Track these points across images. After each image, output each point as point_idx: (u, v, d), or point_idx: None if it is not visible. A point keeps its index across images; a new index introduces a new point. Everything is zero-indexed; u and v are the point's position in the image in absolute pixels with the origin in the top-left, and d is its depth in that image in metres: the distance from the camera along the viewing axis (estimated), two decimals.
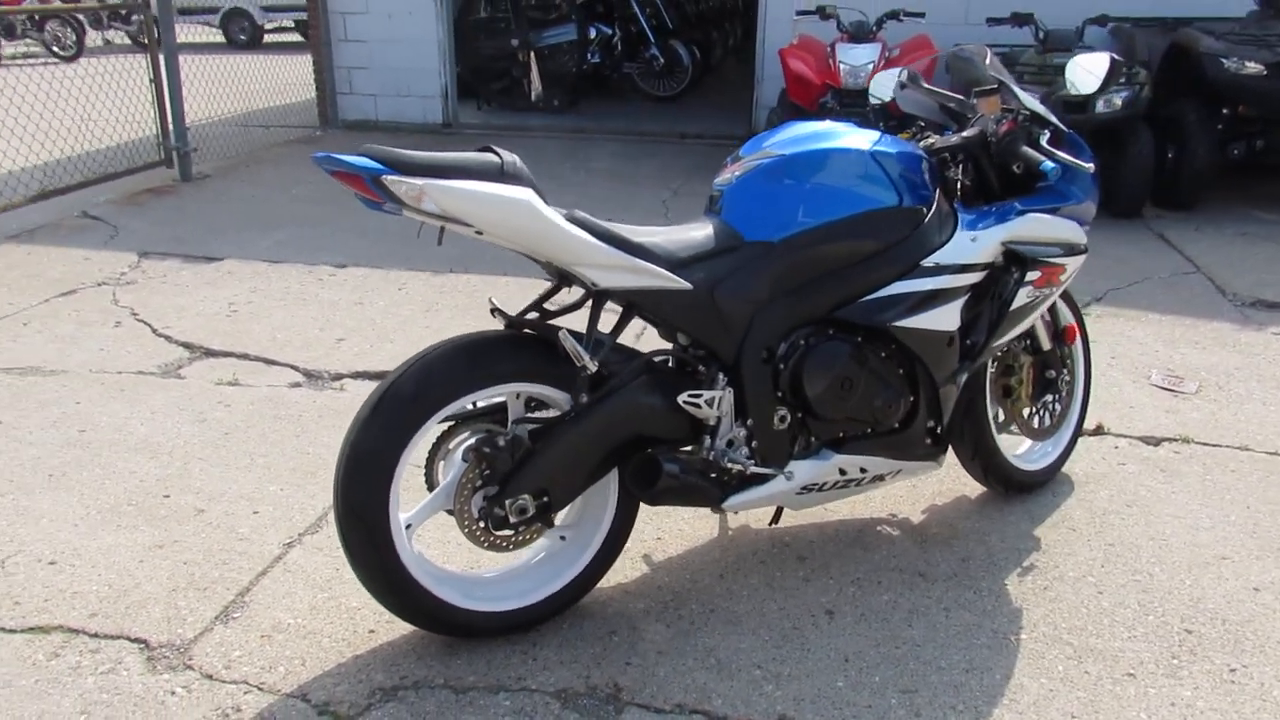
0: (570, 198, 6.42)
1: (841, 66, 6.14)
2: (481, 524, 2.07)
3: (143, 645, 2.18)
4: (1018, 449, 2.89)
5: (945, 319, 2.30)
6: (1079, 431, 2.94)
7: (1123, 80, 5.44)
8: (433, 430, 2.04)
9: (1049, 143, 2.43)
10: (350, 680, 2.08)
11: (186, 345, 3.88)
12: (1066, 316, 2.83)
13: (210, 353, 3.82)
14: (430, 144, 8.02)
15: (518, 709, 2.01)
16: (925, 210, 2.29)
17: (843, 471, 2.34)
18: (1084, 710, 2.02)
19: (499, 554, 2.18)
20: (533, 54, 9.05)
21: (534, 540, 2.16)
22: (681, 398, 2.13)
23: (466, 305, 4.38)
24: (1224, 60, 5.67)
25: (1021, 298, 2.39)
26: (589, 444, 2.07)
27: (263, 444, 3.10)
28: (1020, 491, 2.81)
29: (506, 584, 2.22)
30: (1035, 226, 2.38)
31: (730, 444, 2.23)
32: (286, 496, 2.79)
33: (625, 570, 2.47)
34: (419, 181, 1.83)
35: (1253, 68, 5.60)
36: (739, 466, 2.22)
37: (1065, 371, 2.80)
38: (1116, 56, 2.41)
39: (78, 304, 4.31)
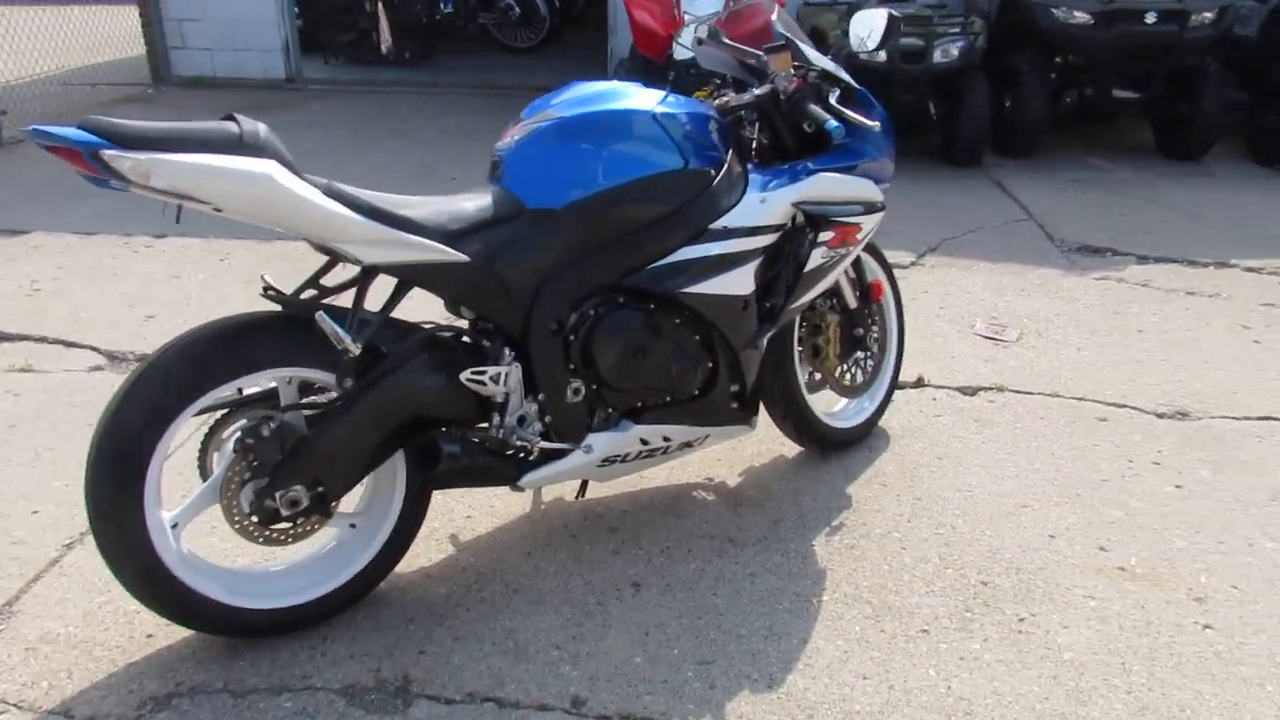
0: (417, 156, 6.21)
1: (686, 16, 6.04)
2: (254, 519, 1.95)
3: None
4: (834, 407, 2.90)
5: (738, 283, 2.26)
6: (894, 386, 2.97)
7: (957, 31, 5.50)
8: (193, 421, 1.91)
9: (840, 100, 2.40)
10: (120, 691, 1.95)
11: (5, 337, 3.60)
12: (875, 272, 2.84)
13: (4, 336, 3.55)
14: (273, 101, 7.65)
15: (300, 709, 1.92)
16: (714, 172, 2.23)
17: (644, 441, 2.29)
18: (876, 670, 2.04)
19: (280, 548, 2.07)
20: (381, 4, 8.68)
21: (314, 532, 2.05)
22: (464, 375, 2.04)
23: (292, 275, 4.16)
24: (1053, 10, 5.80)
25: (816, 258, 2.37)
26: (363, 429, 1.97)
27: (52, 436, 2.89)
28: (837, 449, 2.83)
29: (292, 578, 2.11)
30: (827, 186, 2.36)
31: (522, 420, 2.15)
32: (71, 493, 2.61)
33: (429, 552, 2.39)
34: (142, 156, 1.68)
35: (1080, 17, 5.74)
36: (533, 443, 2.15)
37: (874, 328, 2.82)
38: (895, 13, 2.38)
39: None
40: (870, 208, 2.48)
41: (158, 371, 1.84)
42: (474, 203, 2.08)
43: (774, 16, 2.45)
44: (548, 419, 2.18)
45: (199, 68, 8.16)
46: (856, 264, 2.72)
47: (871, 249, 2.82)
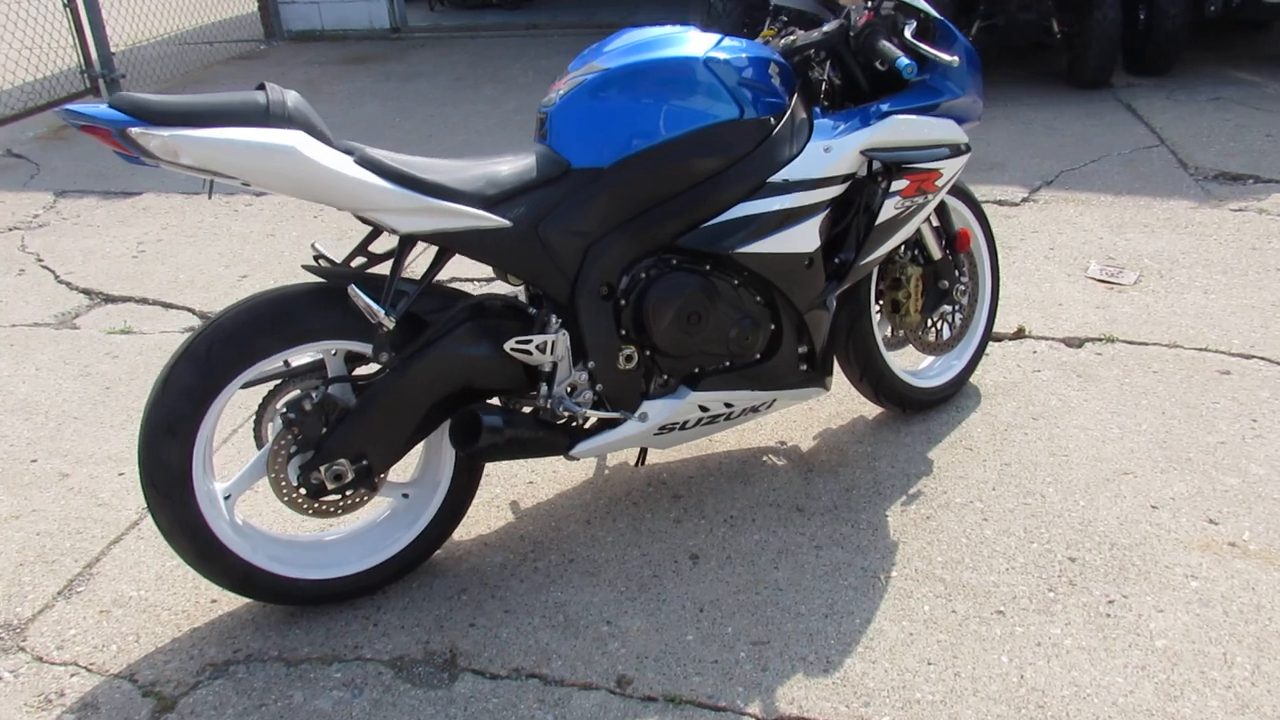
0: (514, 101, 6.14)
1: None
2: (301, 492, 1.95)
3: None
4: (918, 365, 2.72)
5: (800, 239, 2.11)
6: (987, 340, 2.77)
7: None
8: (238, 395, 1.91)
9: (917, 34, 2.19)
10: (182, 656, 2.00)
11: (86, 292, 3.75)
12: (964, 219, 2.62)
13: (109, 299, 3.69)
14: (376, 52, 7.71)
15: (349, 680, 1.93)
16: (774, 121, 2.08)
17: (704, 408, 2.19)
18: (942, 655, 1.91)
19: (333, 519, 2.08)
20: None
21: (363, 504, 2.04)
22: (509, 345, 1.97)
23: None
24: None
25: (889, 209, 2.19)
26: (406, 402, 1.94)
27: (144, 398, 2.99)
28: (920, 410, 2.66)
29: (346, 548, 2.11)
30: (901, 129, 2.16)
31: (572, 389, 2.08)
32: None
33: (489, 519, 2.36)
34: (166, 133, 1.65)
35: None
36: (583, 413, 2.08)
37: (962, 280, 2.61)
38: None
39: None
40: (953, 150, 2.27)
41: (202, 347, 1.84)
42: (518, 164, 2.00)
43: None
44: (599, 387, 2.10)
45: (307, 21, 8.28)
46: (941, 210, 2.52)
47: (960, 192, 2.60)
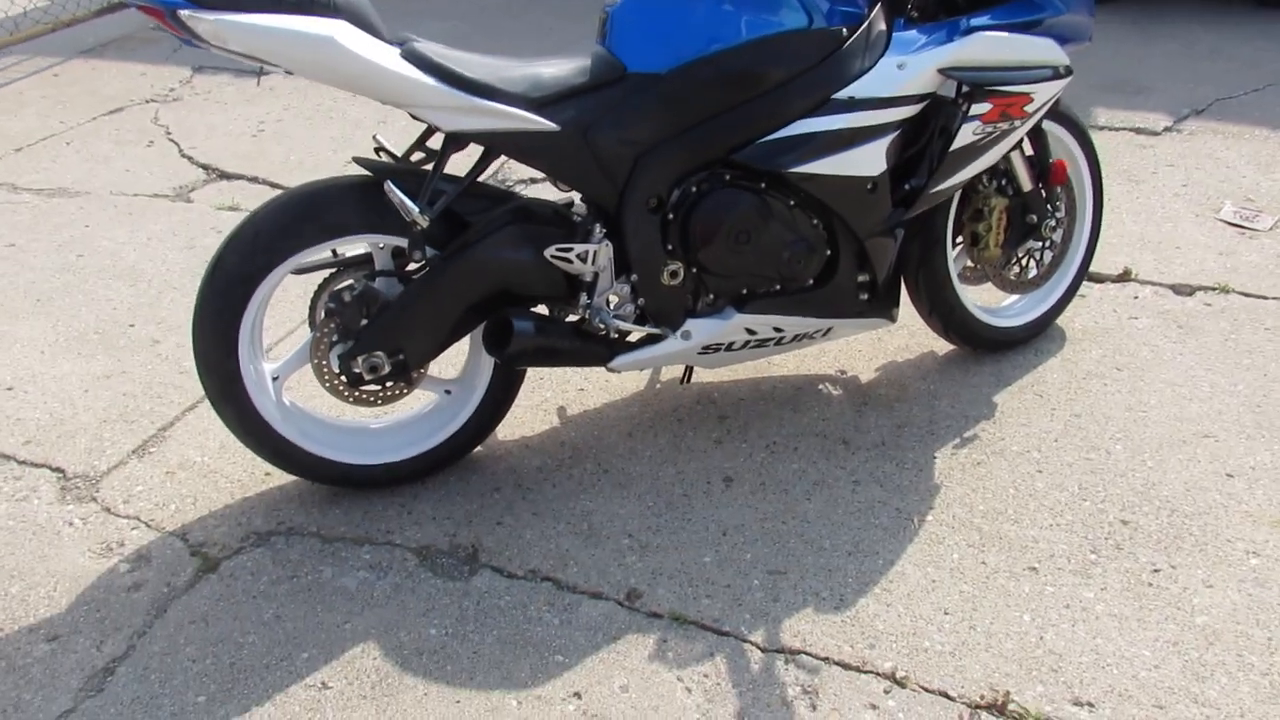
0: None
1: None
2: (341, 379, 2.02)
3: (60, 475, 2.29)
4: (1002, 302, 2.57)
5: (864, 162, 2.00)
6: (1079, 282, 2.58)
7: None
8: (279, 280, 1.96)
9: None
10: (231, 523, 2.13)
11: (205, 167, 3.92)
12: (1067, 150, 2.43)
13: (224, 175, 3.85)
14: None
15: (375, 562, 2.02)
16: (846, 32, 1.95)
17: (751, 331, 2.14)
18: (962, 605, 1.85)
19: (375, 408, 2.14)
20: None
21: (401, 396, 2.09)
22: (549, 251, 1.96)
23: None
24: None
25: (967, 135, 2.03)
26: (442, 300, 1.96)
27: None
28: (994, 350, 2.52)
29: (388, 436, 2.19)
30: (986, 47, 2.00)
31: (613, 302, 2.06)
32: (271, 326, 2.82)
33: (534, 422, 2.39)
34: (212, 17, 1.68)
35: None
36: (622, 326, 2.06)
37: (1055, 215, 2.42)
38: None
39: (120, 122, 4.40)
40: (1050, 74, 2.09)
41: (249, 231, 1.90)
42: (571, 66, 1.94)
43: None
44: (641, 302, 2.07)
45: None
46: (1037, 137, 2.33)
47: (1065, 118, 2.41)
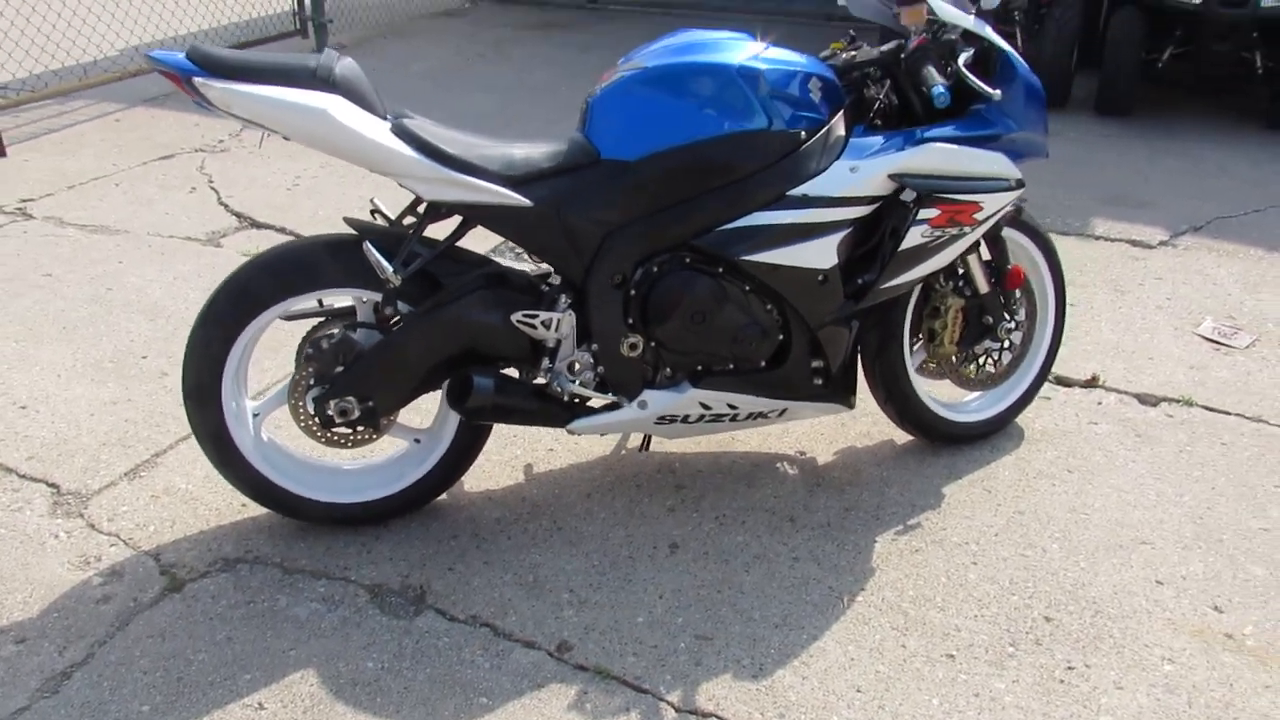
0: None
1: None
2: (315, 420, 2.16)
3: (54, 490, 2.45)
4: (962, 398, 2.67)
5: (814, 255, 2.13)
6: (1039, 384, 2.67)
7: None
8: (271, 325, 2.13)
9: (972, 63, 2.14)
10: (202, 547, 2.27)
11: (239, 215, 4.15)
12: (1030, 258, 2.54)
13: (255, 224, 4.07)
14: (566, 19, 7.96)
15: (328, 595, 2.13)
16: (805, 135, 2.09)
17: (706, 406, 2.25)
18: (875, 685, 1.92)
19: (347, 450, 2.28)
20: None
21: (370, 441, 2.23)
22: (515, 316, 2.10)
23: None
24: None
25: (916, 237, 2.16)
26: (412, 354, 2.10)
27: None
28: (950, 442, 2.61)
29: (356, 478, 2.32)
30: (935, 157, 2.13)
31: (574, 368, 2.19)
32: (269, 369, 2.99)
33: (501, 476, 2.51)
34: (221, 85, 1.87)
35: None
36: (581, 391, 2.18)
37: (1013, 319, 2.53)
38: None
39: (168, 168, 4.68)
40: (999, 185, 2.21)
41: (239, 280, 2.07)
42: (550, 149, 2.11)
43: None
44: (601, 370, 2.20)
45: None
46: (996, 243, 2.45)
47: (1027, 228, 2.52)
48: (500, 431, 2.63)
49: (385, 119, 2.01)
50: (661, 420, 2.26)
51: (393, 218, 2.20)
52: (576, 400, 2.25)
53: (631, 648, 2.00)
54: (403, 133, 1.98)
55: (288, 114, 1.88)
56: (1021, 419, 2.72)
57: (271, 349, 3.00)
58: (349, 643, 2.01)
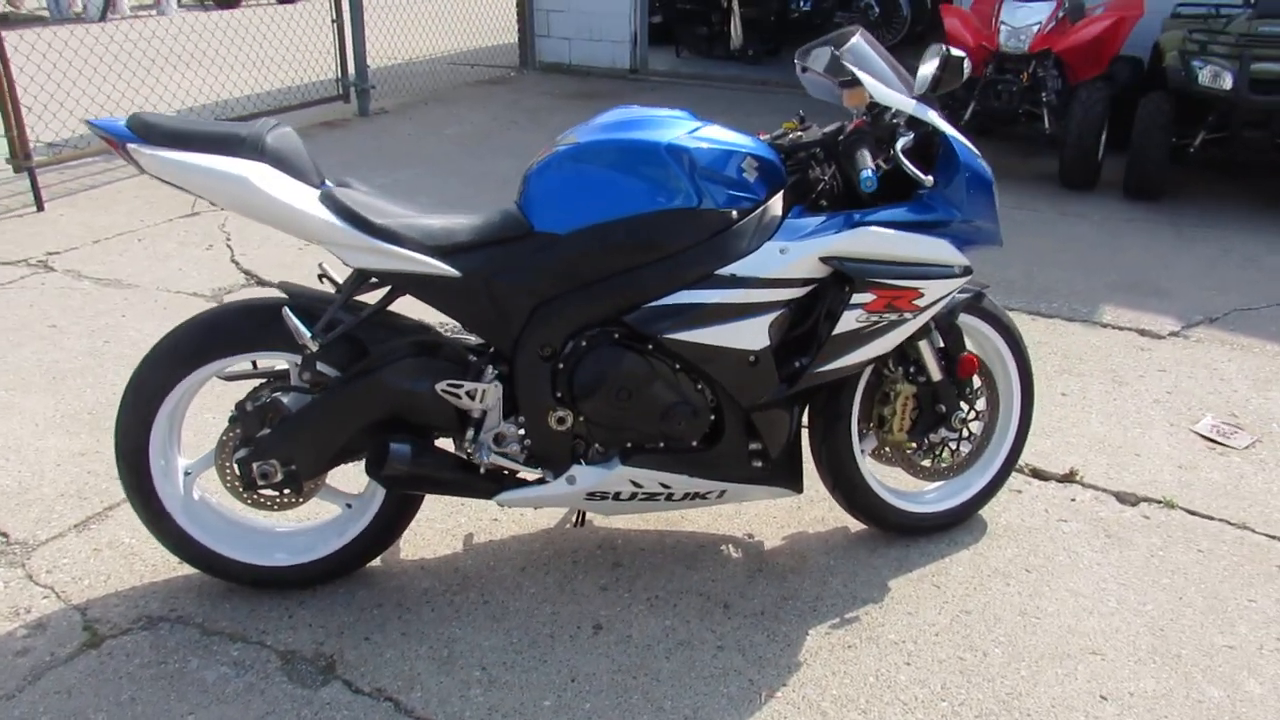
0: None
1: (1002, 28, 5.51)
2: (240, 481, 2.16)
3: (4, 539, 2.49)
4: (921, 487, 2.57)
5: (742, 336, 2.08)
6: (1002, 478, 2.56)
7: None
8: (196, 385, 2.15)
9: (912, 148, 2.11)
10: (129, 604, 2.27)
11: (247, 273, 4.25)
12: (994, 347, 2.46)
13: (261, 282, 4.16)
14: (607, 89, 8.11)
15: (240, 659, 2.11)
16: (735, 214, 2.07)
17: (637, 484, 2.21)
18: None
19: (273, 513, 2.27)
20: (736, 1, 8.82)
21: (296, 505, 2.22)
22: (440, 385, 2.09)
23: None
24: None
25: (850, 321, 2.11)
26: (334, 420, 2.10)
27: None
28: (905, 533, 2.51)
29: (283, 541, 2.31)
30: (869, 241, 2.08)
31: (499, 439, 2.17)
32: (218, 427, 3.03)
33: (437, 545, 2.49)
34: (149, 152, 1.92)
35: None
36: (502, 463, 2.16)
37: (970, 409, 2.44)
38: (956, 53, 2.04)
39: (191, 226, 4.83)
40: (941, 272, 2.15)
41: (170, 340, 2.10)
42: (485, 220, 2.12)
43: (853, 41, 2.18)
44: (528, 442, 2.17)
45: (558, 55, 8.86)
46: (950, 331, 2.38)
47: (992, 317, 2.45)
48: (445, 501, 2.61)
49: (319, 187, 2.04)
50: (592, 496, 2.21)
51: (340, 283, 2.22)
52: (506, 472, 2.22)
53: None
54: (330, 200, 2.00)
55: (211, 180, 1.92)
56: (986, 512, 2.62)
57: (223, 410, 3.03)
58: (248, 710, 1.98)
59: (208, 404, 3.02)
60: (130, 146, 1.93)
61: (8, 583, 2.33)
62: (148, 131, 1.95)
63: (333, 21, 6.77)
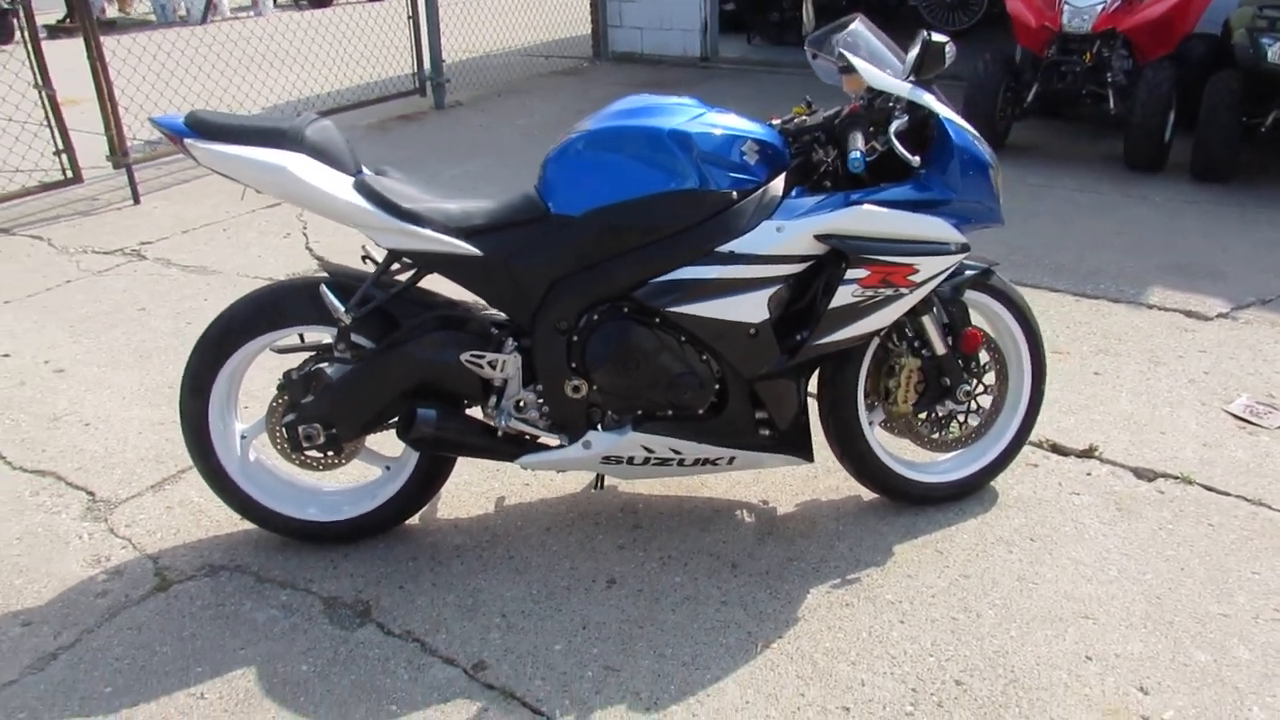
0: None
1: (1065, 8, 5.45)
2: (288, 443, 2.39)
3: (90, 497, 2.78)
4: (933, 458, 2.66)
5: (742, 309, 2.21)
6: (1013, 451, 2.63)
7: None
8: (249, 357, 2.38)
9: (905, 130, 2.20)
10: (195, 554, 2.53)
11: (319, 259, 4.53)
12: (1005, 324, 2.53)
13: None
14: (675, 77, 8.23)
15: (288, 603, 2.34)
16: (735, 195, 2.20)
17: (649, 449, 2.36)
18: None
19: (321, 472, 2.49)
20: None
21: (340, 465, 2.44)
22: (464, 356, 2.28)
23: None
24: None
25: (846, 296, 2.22)
26: (369, 388, 2.30)
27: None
28: (915, 503, 2.60)
29: (329, 499, 2.53)
30: (863, 219, 2.19)
31: (520, 406, 2.34)
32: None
33: (471, 506, 2.68)
34: (203, 146, 2.14)
35: None
36: (521, 428, 2.34)
37: (975, 382, 2.52)
38: (936, 38, 2.10)
39: (272, 216, 5.14)
40: (935, 249, 2.25)
41: (226, 315, 2.34)
42: (506, 203, 2.29)
43: (850, 28, 2.28)
44: (546, 409, 2.35)
45: (630, 44, 9.02)
46: (955, 306, 2.46)
47: (1001, 294, 2.52)
48: (481, 466, 2.81)
49: (354, 175, 2.24)
50: (607, 460, 2.38)
51: (379, 263, 2.43)
52: (528, 437, 2.39)
53: (541, 672, 2.11)
54: (362, 187, 2.20)
55: (255, 171, 2.14)
56: (999, 484, 2.69)
57: None
58: (292, 646, 2.21)
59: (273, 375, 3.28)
60: (187, 141, 2.16)
61: (92, 534, 2.61)
62: (202, 127, 2.17)
63: (409, 18, 7.06)
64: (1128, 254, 4.31)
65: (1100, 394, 3.19)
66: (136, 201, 5.36)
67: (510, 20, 9.24)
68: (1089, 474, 2.76)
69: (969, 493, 2.63)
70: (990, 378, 2.58)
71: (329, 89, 7.80)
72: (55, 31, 10.66)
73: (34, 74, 5.08)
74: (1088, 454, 2.85)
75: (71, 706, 2.06)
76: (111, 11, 12.79)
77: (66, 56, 5.17)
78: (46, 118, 5.19)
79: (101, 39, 5.25)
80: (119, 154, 5.30)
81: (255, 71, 8.29)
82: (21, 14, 5.05)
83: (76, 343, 3.73)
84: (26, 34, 5.04)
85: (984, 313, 2.55)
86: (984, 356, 2.56)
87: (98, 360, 3.59)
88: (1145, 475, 2.75)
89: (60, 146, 5.28)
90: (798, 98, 2.40)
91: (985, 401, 2.58)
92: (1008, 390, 2.61)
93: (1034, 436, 2.88)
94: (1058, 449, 2.88)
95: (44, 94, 5.11)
